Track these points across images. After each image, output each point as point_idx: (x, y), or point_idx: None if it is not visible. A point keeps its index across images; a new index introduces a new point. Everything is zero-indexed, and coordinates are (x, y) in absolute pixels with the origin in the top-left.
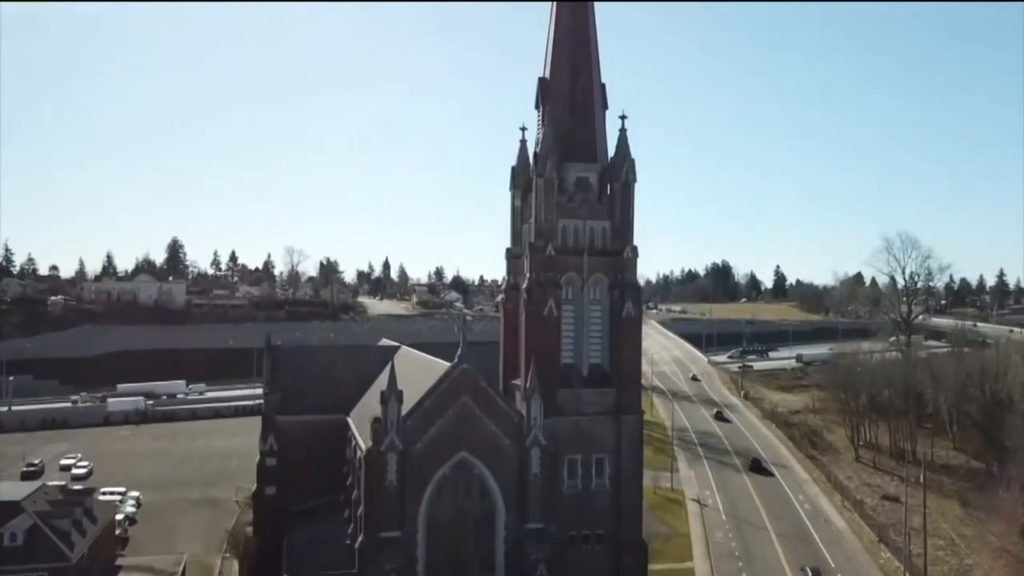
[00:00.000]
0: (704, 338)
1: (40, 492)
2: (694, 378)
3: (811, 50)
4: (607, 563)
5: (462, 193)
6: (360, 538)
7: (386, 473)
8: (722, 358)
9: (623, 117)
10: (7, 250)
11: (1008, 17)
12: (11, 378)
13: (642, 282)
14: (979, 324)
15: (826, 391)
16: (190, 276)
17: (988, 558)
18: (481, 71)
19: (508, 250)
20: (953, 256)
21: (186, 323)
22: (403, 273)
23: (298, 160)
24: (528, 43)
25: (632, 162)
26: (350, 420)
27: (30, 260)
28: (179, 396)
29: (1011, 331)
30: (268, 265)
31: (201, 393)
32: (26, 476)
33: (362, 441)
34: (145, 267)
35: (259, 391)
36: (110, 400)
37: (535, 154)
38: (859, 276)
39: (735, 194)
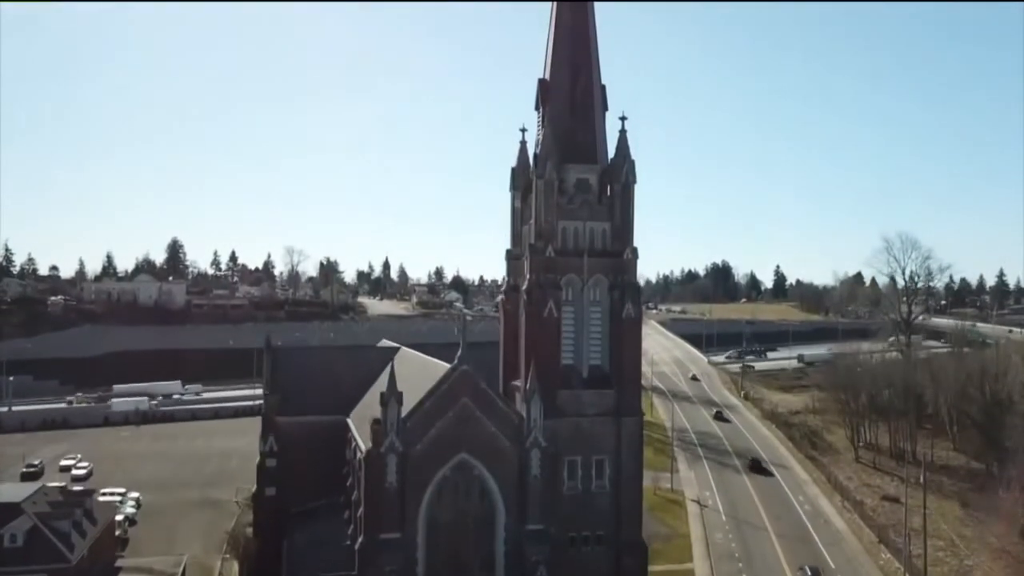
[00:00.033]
0: (704, 338)
1: (40, 493)
2: (694, 378)
3: (811, 50)
4: (607, 564)
5: (462, 193)
6: (360, 539)
7: (386, 474)
8: (720, 358)
9: (623, 118)
10: (7, 250)
11: (1008, 17)
12: (11, 378)
13: (642, 282)
14: (979, 324)
15: (826, 391)
16: (190, 276)
17: (988, 559)
18: (481, 71)
19: (508, 251)
20: (953, 256)
21: (186, 323)
22: (403, 273)
23: (298, 160)
24: (528, 43)
25: (632, 163)
26: (350, 421)
27: (30, 260)
28: (175, 397)
29: (1010, 331)
30: (268, 265)
31: (197, 394)
32: (26, 477)
33: (362, 442)
34: (145, 267)
35: (259, 391)
36: (114, 400)
37: (535, 155)
38: (859, 276)
39: (735, 194)
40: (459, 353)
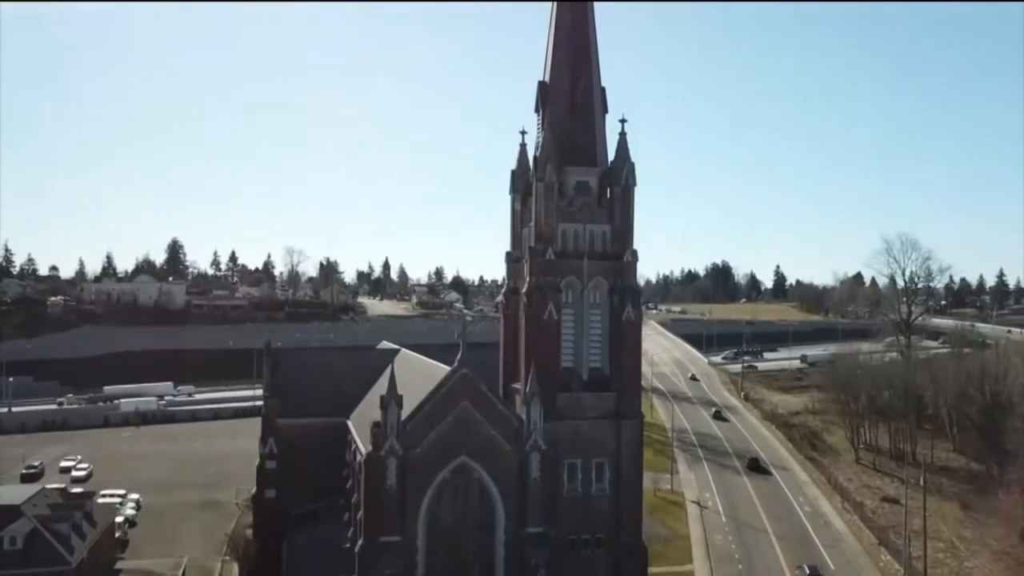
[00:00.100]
0: (704, 339)
1: (40, 496)
2: (693, 378)
3: (811, 50)
4: (607, 567)
5: (462, 194)
6: (360, 542)
7: (386, 477)
8: (718, 359)
9: (623, 121)
10: (7, 251)
11: (1008, 17)
12: (11, 379)
13: (642, 282)
14: (978, 325)
15: (826, 392)
16: (190, 277)
17: (988, 560)
18: (481, 71)
19: (508, 254)
20: (953, 257)
21: (186, 324)
22: (403, 273)
23: (298, 160)
24: (528, 44)
25: (632, 166)
26: (350, 423)
27: (30, 261)
28: (167, 398)
29: (1009, 331)
30: (268, 265)
31: (190, 395)
32: (26, 478)
33: (362, 445)
34: (145, 268)
35: (259, 392)
36: (123, 401)
37: (535, 158)
38: (859, 276)
39: (735, 194)
40: (459, 356)
